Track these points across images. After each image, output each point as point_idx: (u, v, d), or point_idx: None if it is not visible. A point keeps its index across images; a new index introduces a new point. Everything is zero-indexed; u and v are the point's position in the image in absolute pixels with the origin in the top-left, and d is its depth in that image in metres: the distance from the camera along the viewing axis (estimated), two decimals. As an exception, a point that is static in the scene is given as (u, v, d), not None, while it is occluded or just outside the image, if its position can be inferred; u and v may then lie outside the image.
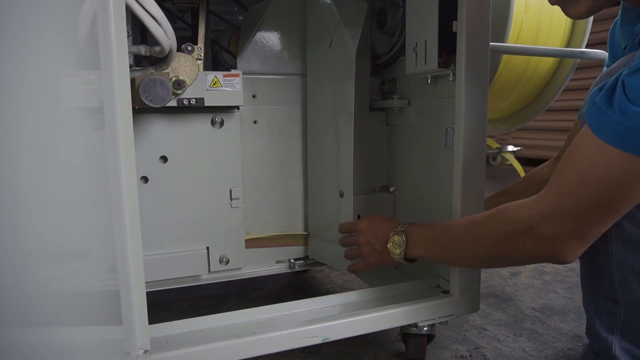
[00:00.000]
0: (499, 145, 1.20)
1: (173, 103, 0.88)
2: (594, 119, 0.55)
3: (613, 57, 0.77)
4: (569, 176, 0.58)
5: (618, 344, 0.62)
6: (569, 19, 1.21)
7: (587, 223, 0.58)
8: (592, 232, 0.59)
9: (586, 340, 0.76)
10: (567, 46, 1.23)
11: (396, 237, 0.81)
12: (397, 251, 0.81)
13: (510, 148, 1.17)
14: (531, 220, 0.60)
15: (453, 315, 0.87)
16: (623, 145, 0.52)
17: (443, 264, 0.85)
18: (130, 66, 0.80)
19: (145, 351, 0.65)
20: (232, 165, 1.00)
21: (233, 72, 0.94)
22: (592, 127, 0.55)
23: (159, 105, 0.83)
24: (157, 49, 0.73)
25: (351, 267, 0.92)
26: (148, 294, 0.66)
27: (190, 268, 0.99)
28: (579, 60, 1.20)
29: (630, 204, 0.56)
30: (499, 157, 1.19)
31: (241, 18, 1.19)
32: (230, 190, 1.00)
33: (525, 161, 3.93)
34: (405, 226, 0.82)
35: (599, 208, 0.56)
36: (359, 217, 1.11)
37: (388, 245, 0.82)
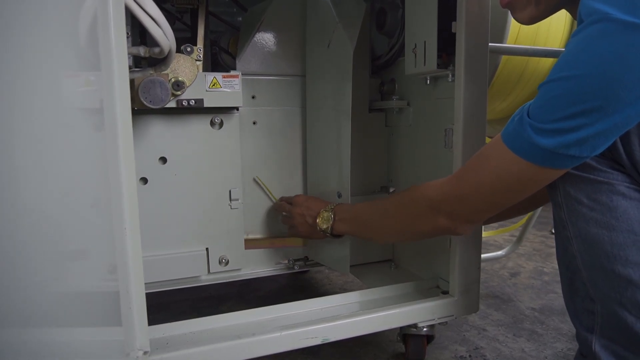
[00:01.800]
0: None
1: (172, 104, 0.88)
2: (508, 123, 0.61)
3: None
4: (474, 168, 0.66)
5: (597, 342, 0.63)
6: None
7: (479, 210, 0.69)
8: (481, 217, 0.73)
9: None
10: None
11: (325, 214, 0.91)
12: (324, 226, 0.90)
13: None
14: (436, 199, 0.71)
15: (452, 315, 0.87)
16: (515, 148, 0.58)
17: (364, 239, 0.94)
18: (130, 67, 0.80)
19: (145, 352, 0.65)
20: (232, 166, 1.00)
21: (232, 73, 0.94)
22: (503, 130, 0.61)
23: (158, 106, 0.83)
24: (157, 50, 0.73)
25: (287, 233, 1.05)
26: (148, 295, 0.66)
27: (190, 269, 0.99)
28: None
29: (519, 199, 0.65)
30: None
31: (240, 19, 1.20)
32: (230, 191, 1.00)
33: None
34: (334, 205, 0.92)
35: (490, 201, 0.66)
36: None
37: (317, 220, 0.92)
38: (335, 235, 0.91)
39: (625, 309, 0.57)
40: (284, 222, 1.04)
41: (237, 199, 1.01)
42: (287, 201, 1.03)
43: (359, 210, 0.87)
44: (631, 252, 0.57)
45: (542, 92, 0.56)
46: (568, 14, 0.72)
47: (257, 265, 1.08)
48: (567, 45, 0.55)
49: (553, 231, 1.89)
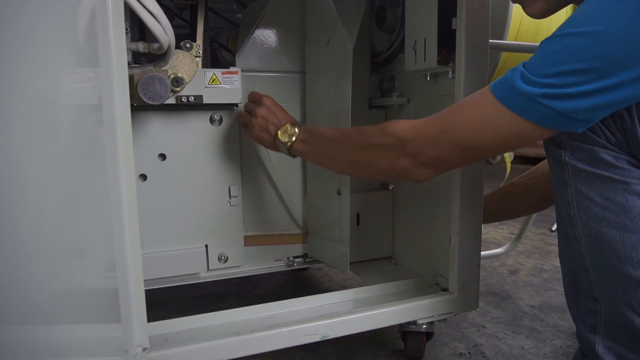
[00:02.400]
0: None
1: (171, 100, 0.88)
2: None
3: None
4: (451, 113, 0.63)
5: (601, 343, 0.62)
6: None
7: (445, 155, 0.64)
8: (444, 165, 0.67)
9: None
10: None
11: (290, 128, 0.84)
12: (285, 139, 0.83)
13: None
14: (404, 137, 0.66)
15: (452, 312, 0.87)
16: (496, 92, 0.57)
17: (318, 164, 0.87)
18: (129, 63, 0.80)
19: (144, 349, 0.65)
20: (231, 162, 0.99)
21: (232, 69, 0.94)
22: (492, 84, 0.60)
23: (157, 103, 0.83)
24: (156, 46, 0.73)
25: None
26: (147, 292, 0.66)
27: (189, 266, 0.99)
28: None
29: (487, 153, 0.63)
30: (498, 155, 1.19)
31: (240, 15, 1.19)
32: (229, 188, 1.00)
33: (523, 159, 3.94)
34: (302, 124, 0.85)
35: (460, 146, 0.62)
36: (357, 215, 1.11)
37: (279, 131, 0.85)
38: (291, 154, 0.85)
39: (633, 311, 0.57)
40: (242, 116, 0.94)
41: (237, 196, 1.00)
42: (257, 98, 0.92)
43: (323, 134, 0.81)
44: None
45: (542, 47, 0.54)
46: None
47: (257, 262, 1.08)
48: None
49: (553, 229, 1.89)
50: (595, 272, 0.60)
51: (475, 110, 0.60)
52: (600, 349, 0.62)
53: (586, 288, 0.62)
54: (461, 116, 0.61)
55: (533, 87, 0.53)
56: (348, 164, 0.78)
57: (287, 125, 0.85)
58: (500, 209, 1.00)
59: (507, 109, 0.56)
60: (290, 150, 0.84)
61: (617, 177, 0.56)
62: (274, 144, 0.86)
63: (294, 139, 0.83)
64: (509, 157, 1.20)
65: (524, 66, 0.55)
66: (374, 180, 0.83)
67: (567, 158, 0.59)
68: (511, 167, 1.29)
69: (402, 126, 0.68)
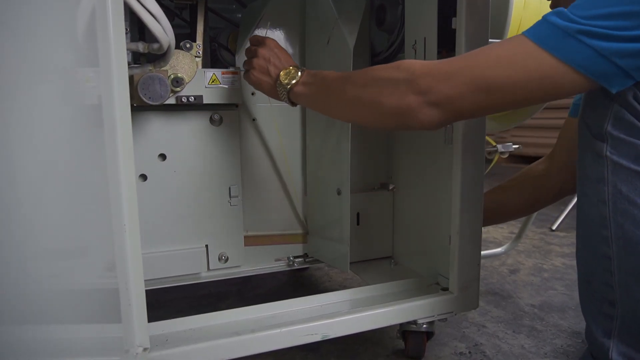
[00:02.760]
0: (495, 144, 1.20)
1: (171, 100, 0.88)
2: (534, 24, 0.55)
3: None
4: (475, 52, 0.58)
5: (615, 349, 0.60)
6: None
7: (458, 95, 0.57)
8: (453, 110, 0.59)
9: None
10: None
11: (293, 70, 0.78)
12: (286, 81, 0.77)
13: (502, 148, 1.17)
14: (417, 72, 0.60)
15: (452, 312, 0.87)
16: (529, 31, 0.52)
17: (319, 111, 0.80)
18: (129, 63, 0.80)
19: (145, 349, 0.65)
20: (231, 162, 0.99)
21: (232, 69, 0.94)
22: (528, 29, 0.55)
23: (157, 103, 0.83)
24: (156, 46, 0.73)
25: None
26: (147, 292, 0.66)
27: (189, 266, 0.99)
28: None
29: (508, 98, 0.56)
30: (497, 154, 1.19)
31: (239, 15, 1.19)
32: (229, 188, 1.00)
33: (522, 159, 3.93)
34: (306, 69, 0.79)
35: (476, 85, 0.56)
36: (357, 215, 1.11)
37: (281, 73, 0.78)
38: (291, 100, 0.79)
39: None
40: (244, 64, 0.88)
41: (237, 196, 1.00)
42: (256, 42, 0.86)
43: (327, 75, 0.75)
44: None
45: None
46: None
47: (257, 262, 1.08)
48: None
49: (553, 228, 1.89)
50: (622, 276, 0.57)
51: (502, 48, 0.55)
52: (614, 354, 0.60)
53: (602, 291, 0.60)
54: (485, 54, 0.56)
55: (574, 23, 0.49)
56: (350, 104, 0.70)
57: (291, 67, 0.79)
58: (492, 211, 0.98)
59: (539, 46, 0.51)
60: (290, 95, 0.78)
61: None
62: (273, 89, 0.80)
63: (294, 81, 0.77)
64: (497, 156, 1.20)
65: (563, 8, 0.51)
66: (375, 129, 0.71)
67: (608, 153, 0.55)
68: (509, 167, 1.29)
69: (418, 62, 0.62)
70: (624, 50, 0.48)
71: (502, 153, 1.16)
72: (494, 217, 1.01)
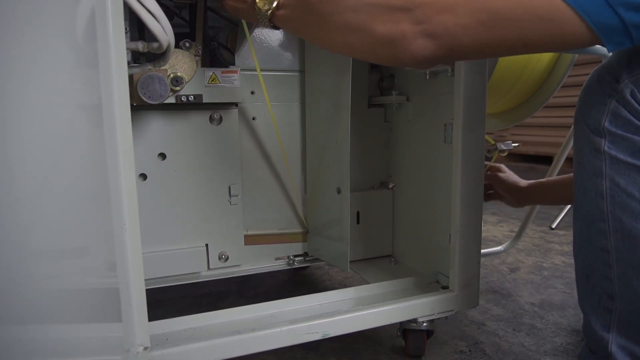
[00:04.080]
0: (494, 143, 1.20)
1: (171, 100, 0.88)
2: None
3: None
4: None
5: (615, 342, 0.60)
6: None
7: (457, 26, 0.54)
8: (448, 43, 0.55)
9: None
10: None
11: None
12: (266, 7, 0.69)
13: (503, 146, 1.17)
14: (417, 1, 0.56)
15: (452, 310, 0.87)
16: None
17: (305, 37, 0.74)
18: (128, 63, 0.79)
19: (145, 348, 0.65)
20: (231, 162, 1.00)
21: (231, 68, 0.94)
22: None
23: (157, 102, 0.83)
24: (155, 45, 0.73)
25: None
26: (147, 291, 0.66)
27: (190, 265, 0.99)
28: (577, 55, 1.20)
29: (509, 49, 0.54)
30: (496, 152, 1.19)
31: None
32: (229, 187, 1.00)
33: (523, 158, 3.94)
34: None
35: (475, 24, 0.53)
36: (357, 214, 1.11)
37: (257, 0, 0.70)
38: (273, 24, 0.71)
39: None
40: None
41: (237, 195, 1.00)
42: None
43: None
44: None
45: None
46: None
47: (257, 261, 1.08)
48: None
49: (553, 226, 1.89)
50: (621, 270, 0.58)
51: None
52: (613, 347, 0.60)
53: (602, 285, 0.61)
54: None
55: None
56: (338, 30, 0.63)
57: None
58: (568, 194, 1.00)
59: None
60: (273, 20, 0.70)
61: None
62: (252, 15, 0.72)
63: (274, 4, 0.69)
64: (497, 152, 1.20)
65: None
66: (364, 59, 0.66)
67: (606, 148, 0.56)
68: (511, 166, 1.29)
69: None
70: (630, 1, 0.48)
71: (501, 151, 1.16)
72: (565, 199, 1.07)
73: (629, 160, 0.54)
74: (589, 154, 0.58)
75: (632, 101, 0.53)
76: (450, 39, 0.55)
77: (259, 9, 0.69)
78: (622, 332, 0.60)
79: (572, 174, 1.00)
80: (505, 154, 1.14)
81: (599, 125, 0.56)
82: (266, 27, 0.72)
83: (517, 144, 1.22)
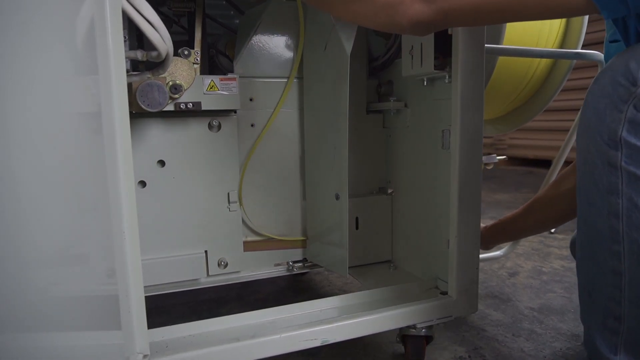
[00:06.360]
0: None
1: (170, 107, 0.88)
2: None
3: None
4: None
5: None
6: (563, 19, 1.22)
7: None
8: (443, 7, 0.56)
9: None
10: (562, 46, 1.24)
11: None
12: None
13: (485, 160, 1.16)
14: None
15: (451, 316, 0.87)
16: None
17: (321, 7, 0.78)
18: (128, 71, 0.80)
19: (145, 356, 0.65)
20: (230, 168, 1.00)
21: (230, 75, 0.94)
22: None
23: (156, 110, 0.84)
24: (154, 54, 0.73)
25: None
26: (147, 298, 0.66)
27: (189, 272, 0.99)
28: (574, 62, 1.21)
29: (503, 15, 0.54)
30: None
31: (237, 22, 1.20)
32: (228, 194, 1.00)
33: (521, 161, 3.94)
34: None
35: None
36: (356, 219, 1.11)
37: None
38: None
39: None
40: None
41: (236, 202, 1.01)
42: None
43: None
44: None
45: None
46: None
47: (256, 268, 1.08)
48: None
49: (552, 230, 1.89)
50: (633, 293, 0.54)
51: None
52: None
53: (608, 306, 0.57)
54: None
55: None
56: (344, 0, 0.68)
57: None
58: (529, 224, 1.00)
59: None
60: None
61: None
62: None
63: None
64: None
65: None
66: (367, 26, 0.71)
67: (623, 163, 0.51)
68: (510, 169, 1.30)
69: None
70: None
71: (486, 164, 1.15)
72: (529, 230, 1.07)
73: None
74: (602, 168, 0.53)
75: None
76: (446, 3, 0.56)
77: None
78: (630, 354, 0.57)
79: (528, 203, 1.00)
80: (491, 167, 1.14)
81: (615, 135, 0.51)
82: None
83: (503, 157, 1.23)
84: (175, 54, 0.86)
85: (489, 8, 0.55)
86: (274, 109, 1.06)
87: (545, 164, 3.61)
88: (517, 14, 0.55)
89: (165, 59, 0.75)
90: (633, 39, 0.69)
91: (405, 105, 1.04)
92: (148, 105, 0.83)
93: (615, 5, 0.48)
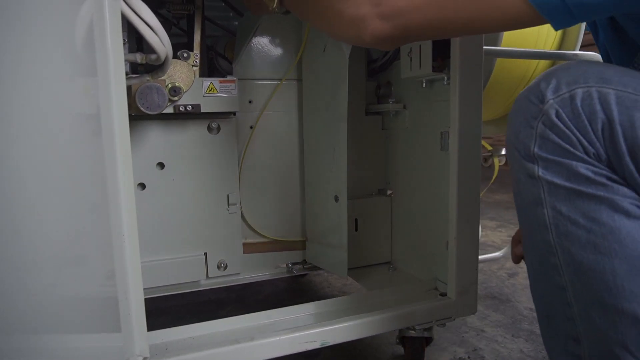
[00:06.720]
0: (491, 148, 1.20)
1: (169, 110, 0.88)
2: None
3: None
4: None
5: None
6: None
7: (404, 10, 0.56)
8: (401, 25, 0.57)
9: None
10: (560, 48, 1.24)
11: None
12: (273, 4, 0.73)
13: (503, 152, 1.18)
14: None
15: (451, 317, 0.87)
16: None
17: (306, 20, 0.78)
18: (127, 74, 0.80)
19: (144, 358, 0.65)
20: (229, 170, 1.00)
21: (229, 78, 0.94)
22: None
23: (155, 112, 0.84)
24: (153, 56, 0.73)
25: None
26: (146, 300, 0.66)
27: (189, 274, 0.99)
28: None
29: (460, 29, 0.56)
30: (490, 159, 1.19)
31: (236, 24, 1.20)
32: (228, 196, 1.00)
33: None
34: None
35: (432, 5, 0.54)
36: (355, 221, 1.11)
37: None
38: (284, 10, 0.76)
39: (629, 352, 0.49)
40: None
41: (235, 204, 1.01)
42: None
43: None
44: (637, 284, 0.48)
45: None
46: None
47: (256, 270, 1.09)
48: None
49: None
50: (581, 307, 0.52)
51: None
52: None
53: (564, 327, 0.55)
54: None
55: None
56: (320, 14, 0.68)
57: None
58: None
59: None
60: (283, 5, 0.74)
61: (601, 193, 0.49)
62: (265, 7, 0.76)
63: None
64: (497, 161, 1.20)
65: None
66: (340, 40, 0.72)
67: (541, 174, 0.52)
68: (506, 170, 1.30)
69: None
70: None
71: (501, 156, 1.16)
72: None
73: (567, 184, 0.50)
74: (525, 181, 0.54)
75: (559, 123, 0.49)
76: (405, 20, 0.57)
77: (269, 3, 0.74)
78: None
79: None
80: (504, 162, 1.14)
81: (529, 150, 0.52)
82: (279, 13, 0.76)
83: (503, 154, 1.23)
84: (175, 56, 0.86)
85: (445, 23, 0.56)
86: (267, 111, 1.06)
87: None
88: (472, 29, 0.56)
89: (164, 61, 0.75)
90: (601, 49, 0.70)
91: (404, 107, 1.05)
92: (147, 107, 0.83)
93: (563, 17, 0.49)
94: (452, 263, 0.86)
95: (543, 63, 1.23)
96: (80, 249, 0.85)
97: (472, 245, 0.86)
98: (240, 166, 1.03)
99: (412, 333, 0.88)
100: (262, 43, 1.04)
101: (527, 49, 1.12)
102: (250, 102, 1.04)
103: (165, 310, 1.21)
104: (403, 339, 0.91)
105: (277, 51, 1.06)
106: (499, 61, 1.17)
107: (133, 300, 0.63)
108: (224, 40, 1.15)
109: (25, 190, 0.70)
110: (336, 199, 1.00)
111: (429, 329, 0.89)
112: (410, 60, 0.90)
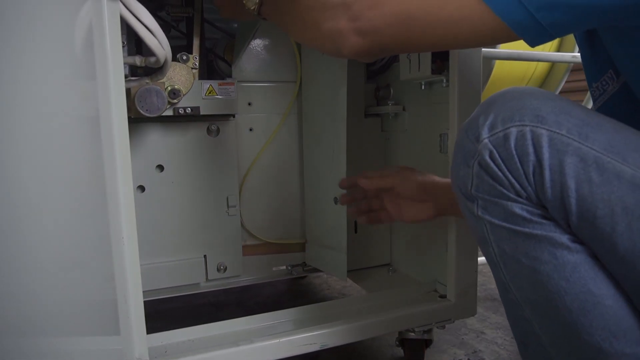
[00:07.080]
0: None
1: (169, 112, 0.88)
2: None
3: None
4: None
5: None
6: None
7: (379, 27, 0.56)
8: (375, 41, 0.57)
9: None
10: (559, 50, 1.25)
11: None
12: (252, 7, 0.72)
13: None
14: None
15: (450, 319, 0.87)
16: None
17: (283, 28, 0.76)
18: (126, 76, 0.80)
19: (144, 361, 0.65)
20: (229, 173, 1.00)
21: (228, 80, 0.94)
22: None
23: (154, 115, 0.84)
24: (153, 59, 0.73)
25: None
26: (146, 303, 0.66)
27: (188, 276, 0.99)
28: (572, 65, 1.22)
29: (431, 46, 0.57)
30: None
31: (236, 26, 1.20)
32: (227, 198, 1.00)
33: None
34: None
35: (396, 22, 0.55)
36: (355, 223, 1.11)
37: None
38: (262, 17, 0.75)
39: None
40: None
41: (235, 206, 1.01)
42: None
43: None
44: (594, 317, 0.47)
45: None
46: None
47: (256, 272, 1.08)
48: None
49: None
50: (548, 338, 0.52)
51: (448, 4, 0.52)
52: None
53: (540, 353, 0.55)
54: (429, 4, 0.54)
55: None
56: (299, 25, 0.68)
57: None
58: None
59: None
60: (261, 14, 0.74)
61: (539, 232, 0.48)
62: (244, 11, 0.75)
63: (257, 3, 0.72)
64: None
65: None
66: (320, 51, 0.71)
67: (480, 213, 0.51)
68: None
69: None
70: (541, 2, 0.46)
71: None
72: None
73: (505, 225, 0.49)
74: (470, 219, 0.54)
75: (492, 165, 0.49)
76: (377, 36, 0.57)
77: (248, 7, 0.73)
78: None
79: None
80: None
81: (467, 189, 0.52)
82: (257, 19, 0.76)
83: None
84: (174, 58, 0.86)
85: (416, 41, 0.56)
86: (280, 118, 1.06)
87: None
88: (446, 43, 0.56)
89: (163, 64, 0.75)
90: (585, 59, 0.69)
91: (404, 109, 1.05)
92: (147, 110, 0.83)
93: (538, 35, 0.49)
94: (452, 265, 0.86)
95: (542, 64, 1.23)
96: (79, 252, 0.85)
97: (471, 247, 0.86)
98: (249, 169, 1.03)
99: (412, 335, 0.88)
100: (261, 45, 1.04)
101: (526, 51, 1.12)
102: (249, 104, 1.04)
103: (165, 313, 1.21)
104: (403, 341, 0.91)
105: (276, 53, 1.06)
106: (498, 63, 1.17)
107: (132, 302, 0.63)
108: (223, 43, 1.15)
109: (25, 193, 0.70)
110: (335, 201, 1.00)
111: (429, 331, 0.89)
112: (409, 62, 0.90)
